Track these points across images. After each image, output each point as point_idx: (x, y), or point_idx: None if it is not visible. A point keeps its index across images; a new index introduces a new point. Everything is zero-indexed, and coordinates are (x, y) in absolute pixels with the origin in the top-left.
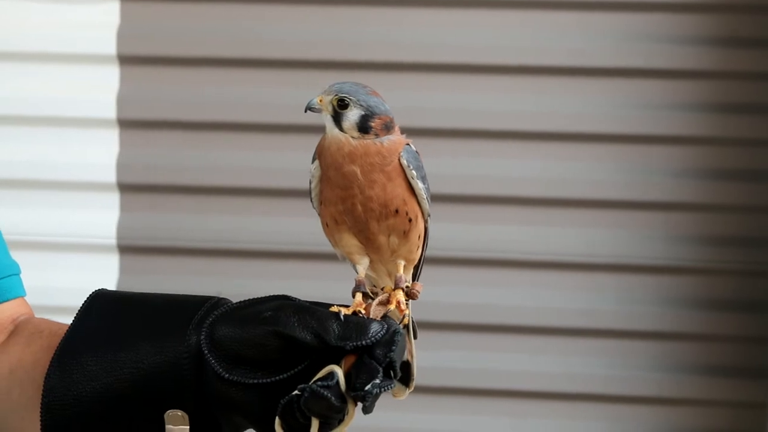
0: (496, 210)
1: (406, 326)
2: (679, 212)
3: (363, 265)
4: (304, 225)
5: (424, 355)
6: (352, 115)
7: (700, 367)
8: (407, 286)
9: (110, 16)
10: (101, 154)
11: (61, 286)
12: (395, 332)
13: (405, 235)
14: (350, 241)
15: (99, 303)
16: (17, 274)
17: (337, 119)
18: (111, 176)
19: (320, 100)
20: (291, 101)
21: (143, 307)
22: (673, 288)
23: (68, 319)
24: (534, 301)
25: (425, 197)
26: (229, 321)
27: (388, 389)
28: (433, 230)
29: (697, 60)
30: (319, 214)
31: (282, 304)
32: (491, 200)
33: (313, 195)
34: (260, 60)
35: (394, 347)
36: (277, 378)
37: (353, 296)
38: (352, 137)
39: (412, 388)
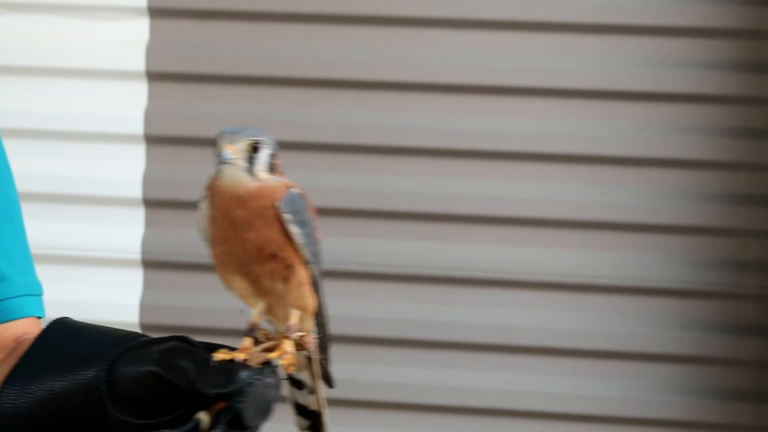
0: (517, 231)
1: (313, 376)
2: (701, 236)
3: (257, 309)
4: (331, 243)
5: (446, 375)
6: (263, 156)
7: (720, 391)
8: (300, 336)
9: (140, 32)
10: (128, 169)
11: (85, 300)
12: (250, 383)
13: (286, 281)
14: (240, 284)
15: (50, 331)
16: (36, 294)
17: (250, 163)
18: (137, 192)
19: (234, 150)
20: (319, 120)
21: (78, 340)
22: (695, 311)
23: None
24: (555, 323)
25: (302, 243)
26: (128, 359)
27: None
28: (457, 251)
29: (723, 85)
30: (212, 256)
31: (172, 346)
32: (513, 222)
33: (205, 235)
34: (288, 79)
35: (241, 398)
36: (157, 421)
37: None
38: (259, 179)
39: None
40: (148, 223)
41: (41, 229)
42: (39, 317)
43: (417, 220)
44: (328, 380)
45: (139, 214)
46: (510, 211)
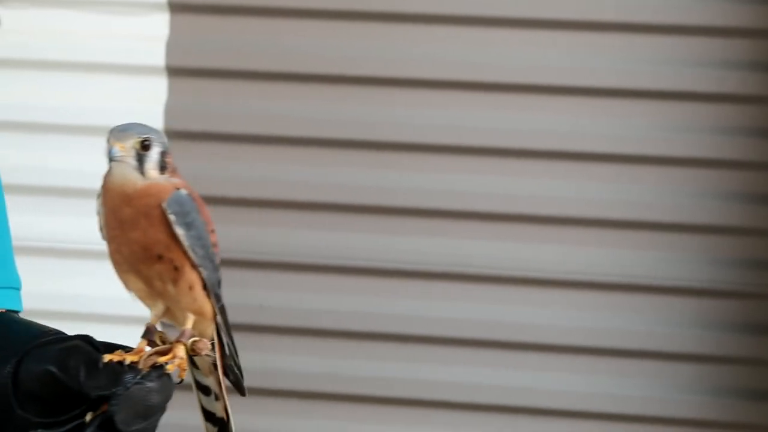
0: (536, 229)
1: (219, 383)
2: (720, 235)
3: (155, 311)
4: (346, 239)
5: (463, 372)
6: (154, 155)
7: (740, 390)
8: (193, 342)
9: (159, 27)
10: None
11: (106, 295)
12: (126, 386)
13: (175, 283)
14: (136, 285)
15: None
16: (6, 287)
17: (140, 162)
18: None
19: (122, 147)
20: (336, 116)
21: (7, 335)
22: (714, 311)
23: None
24: (573, 321)
25: (188, 245)
26: (33, 357)
27: None
28: (475, 248)
29: (742, 84)
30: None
31: (71, 345)
32: (531, 219)
33: (102, 234)
34: (307, 75)
35: (114, 400)
36: (54, 420)
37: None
38: (153, 178)
39: None
40: None
41: (63, 224)
42: (10, 310)
43: (434, 217)
44: (239, 388)
45: None
46: (528, 208)
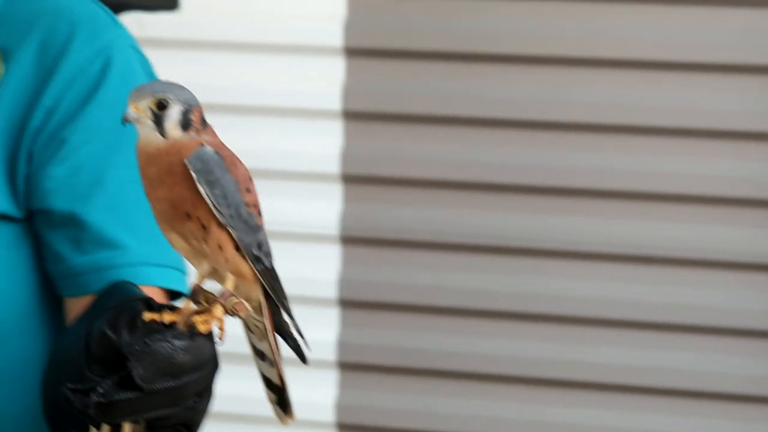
0: (685, 209)
1: (272, 348)
2: None
3: (199, 271)
4: (522, 221)
5: (628, 354)
6: (174, 113)
7: None
8: (233, 303)
9: (338, 8)
10: (325, 145)
11: (282, 276)
12: (147, 344)
13: (206, 242)
14: (179, 244)
15: (103, 292)
16: (162, 265)
17: (159, 123)
18: (334, 167)
19: (136, 108)
20: (516, 96)
21: (110, 299)
22: None
23: None
24: (743, 303)
25: (213, 203)
26: (101, 319)
27: (112, 399)
28: (630, 228)
29: None
30: None
31: (125, 306)
32: (683, 199)
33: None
34: (485, 54)
35: (131, 356)
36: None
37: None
38: (175, 137)
39: (293, 418)
40: (347, 199)
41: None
42: (169, 289)
43: (610, 198)
44: (300, 355)
45: (337, 189)
46: (680, 188)
